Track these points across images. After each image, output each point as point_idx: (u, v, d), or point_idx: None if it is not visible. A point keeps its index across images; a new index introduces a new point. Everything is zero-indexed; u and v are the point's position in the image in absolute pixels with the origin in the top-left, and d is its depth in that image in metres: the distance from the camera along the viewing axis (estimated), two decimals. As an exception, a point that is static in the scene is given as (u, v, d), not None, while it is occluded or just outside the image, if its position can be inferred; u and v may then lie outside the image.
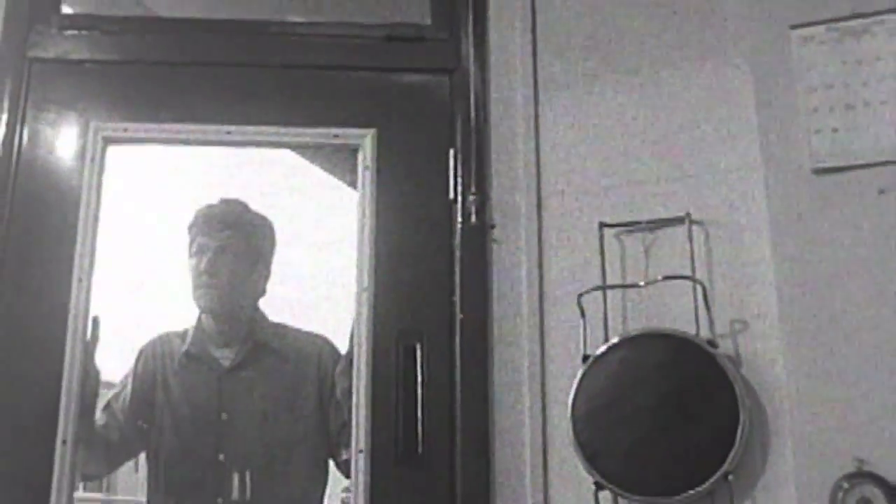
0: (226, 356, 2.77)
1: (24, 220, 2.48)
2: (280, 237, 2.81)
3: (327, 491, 2.77)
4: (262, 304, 2.84)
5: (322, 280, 2.83)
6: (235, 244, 2.76)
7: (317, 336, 2.83)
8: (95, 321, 2.46)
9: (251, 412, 2.75)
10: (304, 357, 2.78)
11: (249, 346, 2.79)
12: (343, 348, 2.64)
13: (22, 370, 2.40)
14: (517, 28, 2.62)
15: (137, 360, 2.82)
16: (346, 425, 2.52)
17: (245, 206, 2.82)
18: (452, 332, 2.45)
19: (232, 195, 2.80)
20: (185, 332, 2.83)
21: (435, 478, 2.37)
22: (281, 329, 2.85)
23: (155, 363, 2.80)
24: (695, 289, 2.27)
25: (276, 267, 2.80)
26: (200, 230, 2.77)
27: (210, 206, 2.82)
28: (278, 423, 2.74)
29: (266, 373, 2.77)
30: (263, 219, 2.84)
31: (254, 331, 2.80)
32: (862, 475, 2.00)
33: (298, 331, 2.86)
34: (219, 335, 2.79)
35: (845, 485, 2.00)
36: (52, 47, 2.60)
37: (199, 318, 2.82)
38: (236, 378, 2.76)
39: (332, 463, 2.78)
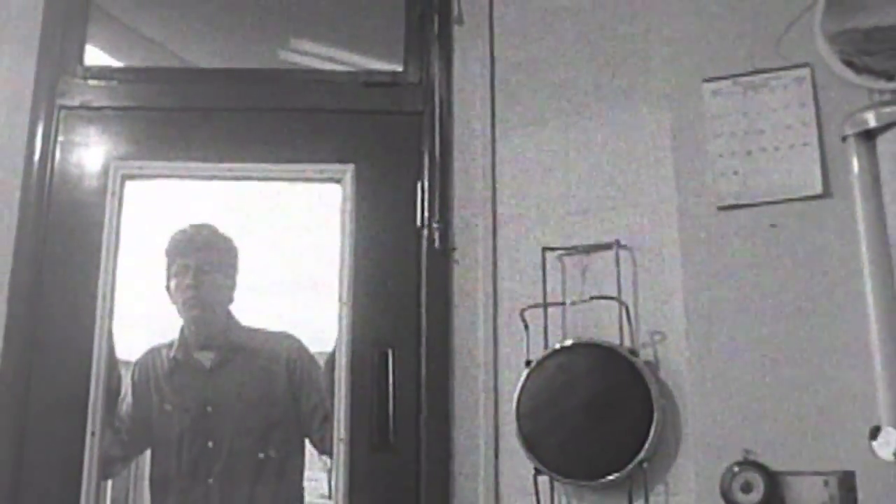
0: (207, 358, 3.11)
1: (55, 246, 2.84)
2: (274, 255, 3.17)
3: (306, 463, 3.11)
4: (255, 312, 3.19)
5: (309, 292, 3.14)
6: (211, 262, 3.10)
7: (283, 334, 3.15)
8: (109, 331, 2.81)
9: (232, 404, 3.07)
10: (275, 353, 3.11)
11: (226, 349, 3.11)
12: (319, 348, 2.97)
13: (56, 373, 2.76)
14: (478, 76, 2.93)
15: (133, 372, 3.15)
16: (317, 408, 2.88)
17: (213, 229, 3.16)
18: (419, 340, 2.78)
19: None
20: (171, 343, 3.16)
21: (404, 463, 2.71)
22: (252, 331, 3.18)
23: (147, 372, 3.13)
24: (620, 306, 2.64)
25: (269, 281, 3.16)
26: (179, 253, 3.10)
27: (184, 232, 3.15)
28: (256, 411, 3.06)
29: (242, 369, 3.10)
30: (228, 239, 3.18)
31: (229, 335, 3.14)
32: (748, 463, 2.34)
33: (267, 331, 3.19)
34: (200, 341, 3.12)
35: (735, 469, 2.34)
36: (77, 96, 2.94)
37: (182, 329, 3.14)
38: (217, 376, 3.10)
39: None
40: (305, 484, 3.29)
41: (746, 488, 2.33)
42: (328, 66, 3.28)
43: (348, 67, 3.12)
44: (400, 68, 2.99)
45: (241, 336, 3.15)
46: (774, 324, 2.43)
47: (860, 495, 2.26)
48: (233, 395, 3.09)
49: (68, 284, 2.83)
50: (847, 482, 2.28)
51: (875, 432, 2.24)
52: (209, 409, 3.06)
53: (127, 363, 3.16)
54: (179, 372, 3.11)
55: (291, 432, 3.06)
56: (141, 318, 3.10)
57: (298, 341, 3.11)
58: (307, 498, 3.31)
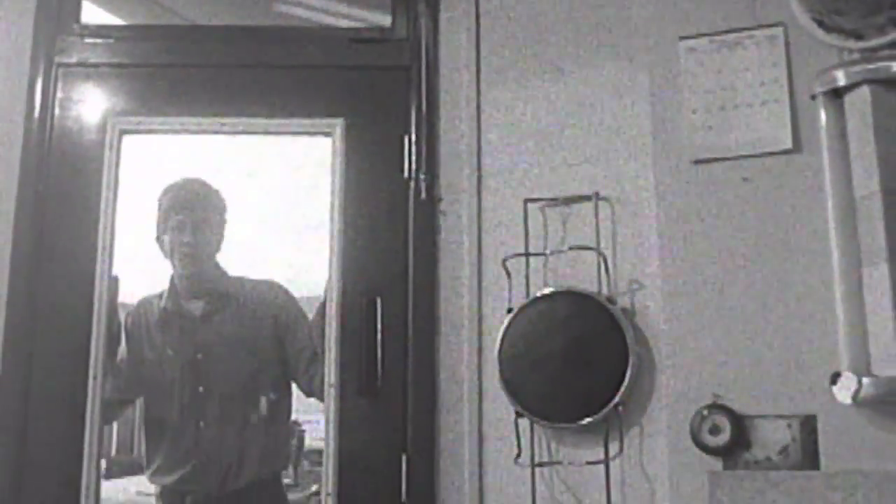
0: (196, 308, 3.22)
1: (56, 200, 2.93)
2: (267, 206, 3.26)
3: (293, 406, 3.24)
4: (250, 261, 3.29)
5: (301, 241, 3.22)
6: (205, 218, 3.21)
7: (269, 283, 3.26)
8: (115, 280, 2.93)
9: (221, 351, 3.19)
10: (261, 301, 3.21)
11: (215, 298, 3.22)
12: (308, 292, 3.08)
13: (59, 320, 2.88)
14: (464, 32, 3.01)
15: (125, 322, 3.25)
16: (301, 353, 3.00)
17: (205, 184, 3.25)
18: (406, 288, 2.88)
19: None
20: (161, 293, 3.27)
21: (391, 407, 2.82)
22: (239, 280, 3.28)
23: (139, 321, 3.23)
24: (598, 256, 2.74)
25: (262, 230, 3.25)
26: (175, 209, 3.20)
27: (177, 188, 3.25)
28: (244, 357, 3.18)
29: (230, 318, 3.20)
30: (218, 193, 3.27)
31: (217, 284, 3.24)
32: (716, 406, 2.47)
33: (253, 280, 3.29)
34: (190, 291, 3.23)
35: (704, 413, 2.47)
36: (75, 54, 3.02)
37: (172, 279, 3.25)
38: (207, 325, 3.21)
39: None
40: (305, 427, 3.42)
41: (714, 431, 2.45)
42: (321, 18, 3.33)
43: (340, 18, 3.17)
44: (388, 24, 3.07)
45: (229, 285, 3.25)
46: (744, 274, 2.54)
47: (821, 437, 2.40)
48: (222, 342, 3.20)
49: (69, 235, 2.92)
50: (809, 424, 2.41)
51: (835, 378, 2.35)
52: (199, 356, 3.17)
53: (126, 306, 3.25)
54: (170, 321, 3.22)
55: (278, 376, 3.18)
56: (140, 263, 3.18)
57: (283, 289, 3.21)
58: (307, 439, 3.44)
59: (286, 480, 3.41)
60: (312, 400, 3.14)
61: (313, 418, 3.35)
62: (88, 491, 2.80)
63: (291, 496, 3.31)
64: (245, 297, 3.24)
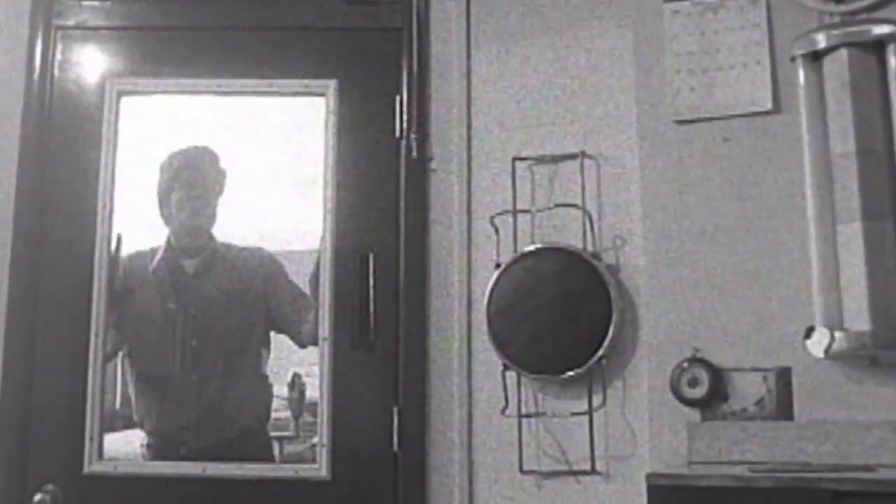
0: (190, 265, 3.24)
1: (57, 161, 3.01)
2: (262, 164, 3.30)
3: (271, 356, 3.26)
4: (264, 218, 3.33)
5: (296, 198, 3.27)
6: (212, 185, 3.27)
7: (256, 249, 3.27)
8: (119, 238, 3.02)
9: (214, 308, 3.23)
10: (250, 264, 3.23)
11: (208, 257, 3.26)
12: (302, 247, 3.16)
13: (61, 280, 2.98)
14: None
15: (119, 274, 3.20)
16: (284, 307, 3.11)
17: (212, 152, 3.25)
18: (398, 244, 2.96)
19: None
20: (155, 250, 3.27)
21: (383, 360, 2.91)
22: (228, 246, 3.29)
23: (132, 276, 3.22)
24: (583, 213, 2.82)
25: (259, 186, 3.29)
26: (185, 174, 3.22)
27: (185, 154, 3.25)
28: (234, 313, 3.22)
29: (222, 277, 3.23)
30: (220, 161, 3.28)
31: (209, 245, 3.27)
32: (695, 360, 2.57)
33: (240, 247, 3.30)
34: (184, 250, 3.25)
35: (684, 366, 2.57)
36: (73, 17, 3.09)
37: (168, 238, 3.26)
38: (200, 282, 3.24)
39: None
40: (305, 380, 3.49)
41: (693, 383, 2.55)
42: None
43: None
44: (381, -14, 3.11)
45: (220, 247, 3.30)
46: (724, 230, 2.63)
47: (795, 389, 2.50)
48: (214, 299, 3.25)
49: (70, 195, 3.01)
50: (784, 377, 2.51)
51: (809, 332, 2.44)
52: (192, 311, 3.23)
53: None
54: (165, 277, 3.25)
55: (263, 331, 3.24)
56: (141, 221, 3.23)
57: (271, 255, 3.26)
58: (308, 392, 3.51)
59: (287, 433, 3.49)
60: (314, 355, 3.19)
61: (310, 370, 3.41)
62: (92, 443, 2.91)
63: (292, 448, 3.38)
64: (235, 259, 3.30)
